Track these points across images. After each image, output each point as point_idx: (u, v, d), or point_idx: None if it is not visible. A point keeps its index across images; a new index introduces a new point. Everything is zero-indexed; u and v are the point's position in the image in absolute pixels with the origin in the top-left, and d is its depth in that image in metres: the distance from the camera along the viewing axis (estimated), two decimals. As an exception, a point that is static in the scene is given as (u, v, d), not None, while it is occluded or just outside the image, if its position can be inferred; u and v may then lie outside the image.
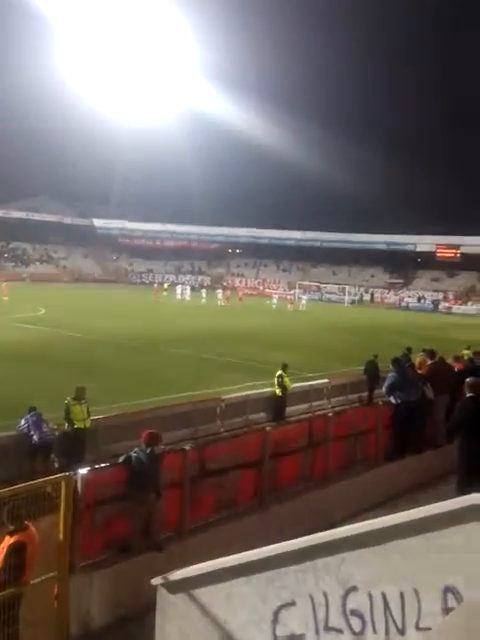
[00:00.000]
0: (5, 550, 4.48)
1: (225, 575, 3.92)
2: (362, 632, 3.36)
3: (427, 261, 62.82)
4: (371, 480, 8.55)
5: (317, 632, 3.49)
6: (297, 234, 68.50)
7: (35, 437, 8.63)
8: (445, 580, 3.19)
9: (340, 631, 3.40)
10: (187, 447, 7.00)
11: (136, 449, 6.36)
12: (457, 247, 62.01)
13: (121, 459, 6.37)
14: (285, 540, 3.77)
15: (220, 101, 62.10)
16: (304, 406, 13.53)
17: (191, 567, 4.18)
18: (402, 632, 3.28)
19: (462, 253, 61.32)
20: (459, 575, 3.17)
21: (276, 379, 12.76)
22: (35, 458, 8.56)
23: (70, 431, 9.09)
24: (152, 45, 61.51)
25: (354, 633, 3.38)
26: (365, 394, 14.57)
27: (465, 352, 14.21)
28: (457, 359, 12.17)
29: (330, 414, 9.30)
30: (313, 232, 67.32)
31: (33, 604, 4.70)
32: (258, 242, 70.68)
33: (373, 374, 14.24)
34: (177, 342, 22.30)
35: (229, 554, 4.00)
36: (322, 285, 61.76)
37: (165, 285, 53.91)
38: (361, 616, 3.38)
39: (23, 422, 8.82)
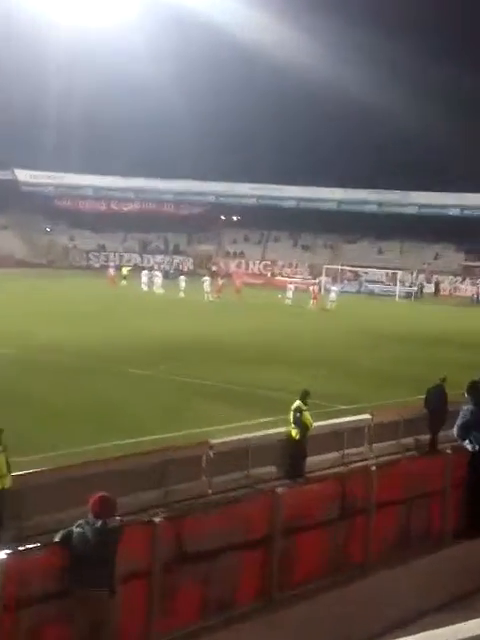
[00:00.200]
0: None
1: None
2: None
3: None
4: (434, 568, 8.64)
5: None
6: (335, 193, 68.63)
7: None
8: None
9: None
10: (157, 518, 7.07)
11: (80, 522, 6.44)
12: None
13: (58, 537, 6.44)
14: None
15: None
16: (334, 455, 13.63)
17: None
18: None
19: None
20: None
21: (292, 414, 12.84)
22: None
23: (-20, 494, 9.19)
24: None
25: None
26: (426, 437, 14.67)
27: None
28: None
29: (373, 468, 9.38)
30: (357, 190, 67.58)
31: None
32: (266, 204, 70.91)
33: (438, 407, 14.35)
34: (143, 358, 22.42)
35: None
36: (361, 270, 62.08)
37: (125, 270, 54.18)
38: None
39: None
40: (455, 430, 10.82)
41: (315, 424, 12.98)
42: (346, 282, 60.02)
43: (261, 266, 68.28)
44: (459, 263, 64.99)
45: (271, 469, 12.54)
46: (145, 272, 49.98)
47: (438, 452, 12.88)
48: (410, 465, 10.49)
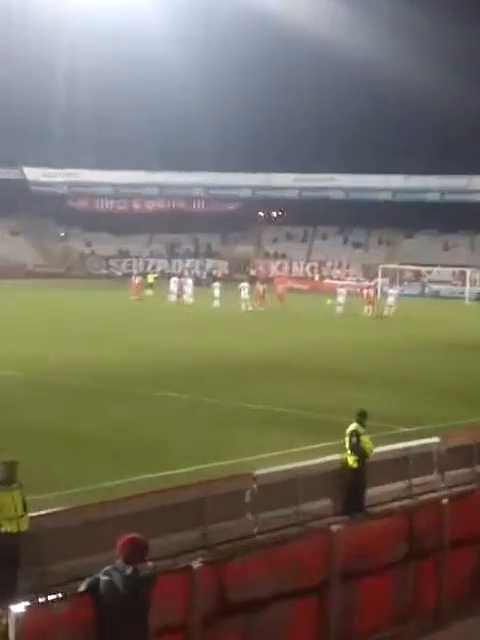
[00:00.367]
0: None
1: None
2: None
3: None
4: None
5: None
6: (390, 181, 68.23)
7: None
8: None
9: None
10: (195, 563, 7.09)
11: (108, 568, 6.49)
12: None
13: (83, 586, 6.50)
14: None
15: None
16: (398, 486, 13.50)
17: None
18: None
19: None
20: None
21: (348, 439, 12.77)
22: None
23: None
24: None
25: None
26: (507, 463, 14.45)
27: None
28: None
29: (445, 500, 9.28)
30: (416, 177, 67.09)
31: None
32: (310, 197, 70.95)
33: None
34: (173, 379, 22.54)
35: None
36: (424, 269, 61.57)
37: (150, 278, 54.68)
38: None
39: None
40: None
41: (375, 450, 12.89)
42: (406, 284, 59.58)
43: (307, 268, 68.25)
44: None
45: (325, 503, 12.49)
46: (174, 279, 50.31)
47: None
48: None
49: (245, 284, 45.89)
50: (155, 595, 6.53)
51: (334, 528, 8.25)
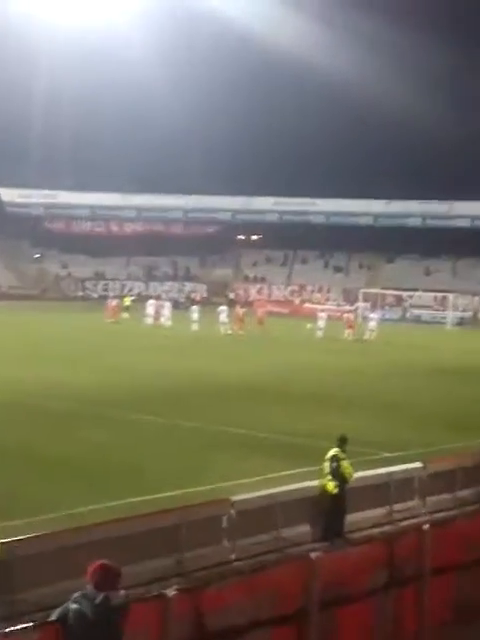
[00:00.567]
0: None
1: None
2: None
3: None
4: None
5: None
6: (371, 205, 68.78)
7: None
8: None
9: None
10: (170, 591, 7.00)
11: (77, 596, 6.37)
12: None
13: (54, 615, 6.38)
14: None
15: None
16: (379, 512, 13.47)
17: None
18: None
19: None
20: None
21: (328, 464, 12.74)
22: None
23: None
24: None
25: None
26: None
27: None
28: None
29: (426, 526, 9.25)
30: (397, 202, 67.77)
31: None
32: (291, 220, 71.46)
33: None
34: (153, 402, 22.48)
35: None
36: (405, 293, 62.05)
37: (127, 300, 54.65)
38: None
39: None
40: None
41: (355, 475, 12.86)
42: (387, 308, 60.00)
43: (287, 292, 68.56)
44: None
45: (304, 529, 12.42)
46: (151, 302, 50.33)
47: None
48: (470, 522, 10.36)
49: (224, 307, 45.98)
50: (128, 624, 6.42)
51: (313, 555, 8.20)
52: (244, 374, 28.55)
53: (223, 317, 44.63)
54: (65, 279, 71.25)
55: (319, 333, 44.79)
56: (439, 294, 60.51)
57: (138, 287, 69.24)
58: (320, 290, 67.15)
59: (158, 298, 55.89)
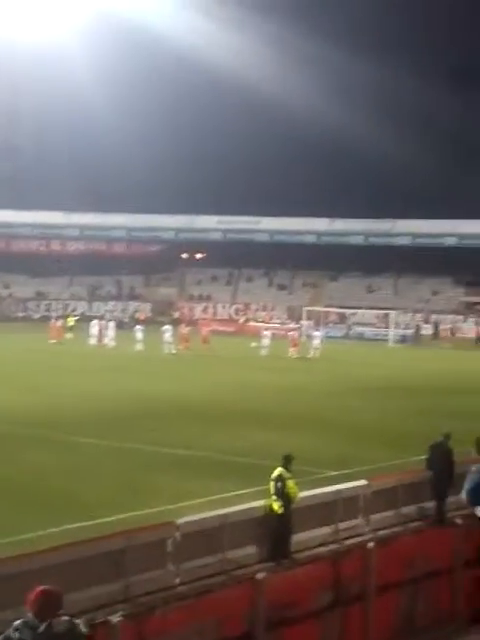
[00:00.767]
0: None
1: None
2: None
3: None
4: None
5: None
6: (315, 224, 69.34)
7: None
8: None
9: None
10: (115, 617, 6.93)
11: (18, 624, 6.25)
12: None
13: (-6, 646, 6.25)
14: None
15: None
16: (324, 531, 13.53)
17: None
18: None
19: None
20: None
21: (273, 484, 12.76)
22: None
23: None
24: None
25: None
26: (431, 504, 14.67)
27: None
28: None
29: (370, 544, 9.33)
30: (341, 220, 68.46)
31: None
32: (235, 239, 71.76)
33: (443, 468, 14.38)
34: (95, 424, 22.28)
35: None
36: (348, 311, 62.76)
37: (70, 320, 54.06)
38: None
39: None
40: (464, 495, 10.86)
41: (301, 494, 12.91)
42: (331, 326, 60.56)
43: (231, 310, 68.69)
44: (459, 300, 66.06)
45: (250, 550, 12.41)
46: (95, 322, 49.88)
47: (446, 522, 12.90)
48: (413, 539, 10.49)
49: (168, 327, 45.80)
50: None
51: (259, 576, 8.20)
52: (188, 394, 28.48)
53: (168, 336, 44.45)
54: (5, 299, 70.20)
55: (263, 351, 44.94)
56: (381, 311, 61.33)
57: (81, 307, 68.57)
58: (264, 308, 67.45)
59: (102, 318, 55.40)
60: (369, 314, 62.63)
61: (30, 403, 25.16)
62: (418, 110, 67.40)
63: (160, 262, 72.84)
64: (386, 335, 57.41)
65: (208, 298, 70.54)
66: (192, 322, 56.72)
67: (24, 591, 6.70)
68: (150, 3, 63.43)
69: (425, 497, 14.77)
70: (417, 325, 60.95)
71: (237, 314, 67.38)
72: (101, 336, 48.18)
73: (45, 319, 58.34)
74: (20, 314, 67.73)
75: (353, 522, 13.90)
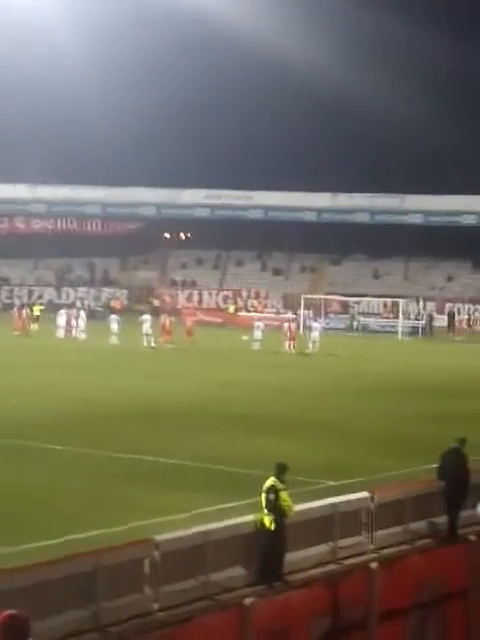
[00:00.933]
0: None
1: None
2: None
3: None
4: None
5: None
6: (315, 199, 69.23)
7: None
8: None
9: None
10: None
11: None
12: None
13: None
14: None
15: None
16: (322, 549, 13.61)
17: None
18: None
19: None
20: None
21: (264, 496, 12.83)
22: None
23: None
24: None
25: None
26: (442, 519, 14.77)
27: None
28: None
29: (373, 565, 9.43)
30: (344, 195, 68.30)
31: None
32: (224, 216, 71.70)
33: (457, 478, 14.48)
34: (61, 428, 22.31)
35: None
36: (352, 299, 62.89)
37: (36, 309, 53.99)
38: None
39: None
40: (479, 508, 10.98)
41: (296, 508, 12.98)
42: (332, 316, 60.66)
43: (219, 298, 68.70)
44: (478, 286, 66.24)
45: (238, 572, 12.47)
46: (62, 312, 49.81)
47: (459, 539, 13.00)
48: (423, 558, 10.58)
49: (147, 316, 45.81)
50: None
51: (247, 601, 8.28)
52: (169, 394, 28.57)
53: (146, 327, 44.46)
54: (-36, 285, 70.11)
55: (256, 345, 45.00)
56: (389, 300, 61.48)
57: (48, 294, 68.49)
58: (257, 296, 67.50)
59: (72, 306, 55.34)
60: (375, 303, 62.81)
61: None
62: (433, 68, 67.04)
63: (139, 242, 72.76)
64: (394, 327, 57.58)
65: (193, 284, 70.58)
66: (174, 311, 56.77)
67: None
68: None
69: (436, 511, 14.85)
70: (430, 315, 61.09)
71: (226, 302, 67.41)
72: (69, 327, 48.16)
73: (7, 308, 58.36)
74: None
75: (354, 539, 13.98)
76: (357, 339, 53.40)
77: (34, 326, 50.40)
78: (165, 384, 30.84)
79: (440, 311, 62.81)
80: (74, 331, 47.79)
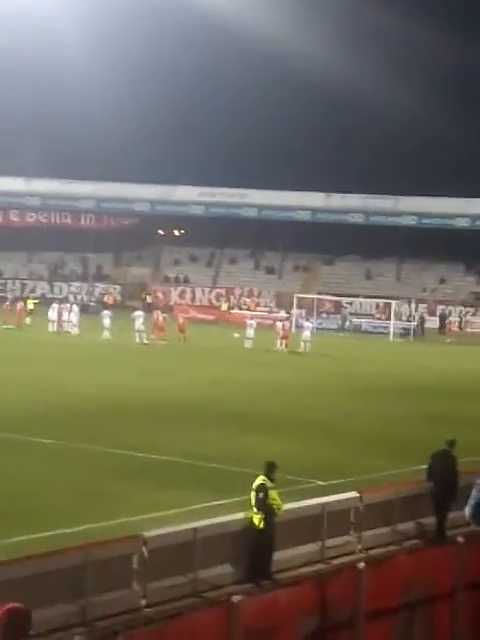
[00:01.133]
0: None
1: None
2: None
3: None
4: None
5: None
6: (309, 199, 69.20)
7: None
8: None
9: None
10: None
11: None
12: None
13: None
14: None
15: None
16: (311, 548, 13.62)
17: None
18: None
19: None
20: None
21: (253, 495, 12.83)
22: None
23: None
24: None
25: None
26: (430, 520, 14.80)
27: None
28: None
29: (361, 565, 9.43)
30: (338, 196, 68.33)
31: None
32: (218, 214, 71.69)
33: (446, 480, 14.51)
34: (51, 422, 22.29)
35: None
36: (345, 299, 62.95)
37: (29, 303, 53.87)
38: None
39: None
40: (468, 510, 11.01)
41: (285, 506, 12.99)
42: (324, 316, 60.70)
43: (212, 296, 68.68)
44: (470, 289, 66.38)
45: (226, 569, 12.47)
46: (54, 306, 49.71)
47: (446, 540, 13.02)
48: (410, 559, 10.59)
49: (140, 313, 45.78)
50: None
51: (235, 599, 8.27)
52: (161, 390, 28.54)
53: (139, 324, 44.43)
54: (-44, 279, 69.94)
55: (248, 343, 45.03)
56: (382, 301, 61.50)
57: (41, 288, 68.37)
58: (250, 294, 67.49)
59: (64, 301, 55.24)
60: (368, 303, 62.84)
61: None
62: (427, 67, 66.98)
63: (132, 238, 72.60)
64: (386, 328, 57.61)
65: (186, 281, 70.52)
66: (167, 308, 56.70)
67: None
68: None
69: (424, 512, 14.87)
70: (421, 317, 61.19)
71: (218, 300, 67.35)
72: (61, 321, 48.07)
73: (0, 300, 58.08)
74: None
75: (343, 539, 13.99)
76: (348, 339, 53.47)
77: (27, 320, 50.29)
78: (157, 380, 30.84)
79: (432, 313, 62.89)
80: (66, 325, 47.72)
